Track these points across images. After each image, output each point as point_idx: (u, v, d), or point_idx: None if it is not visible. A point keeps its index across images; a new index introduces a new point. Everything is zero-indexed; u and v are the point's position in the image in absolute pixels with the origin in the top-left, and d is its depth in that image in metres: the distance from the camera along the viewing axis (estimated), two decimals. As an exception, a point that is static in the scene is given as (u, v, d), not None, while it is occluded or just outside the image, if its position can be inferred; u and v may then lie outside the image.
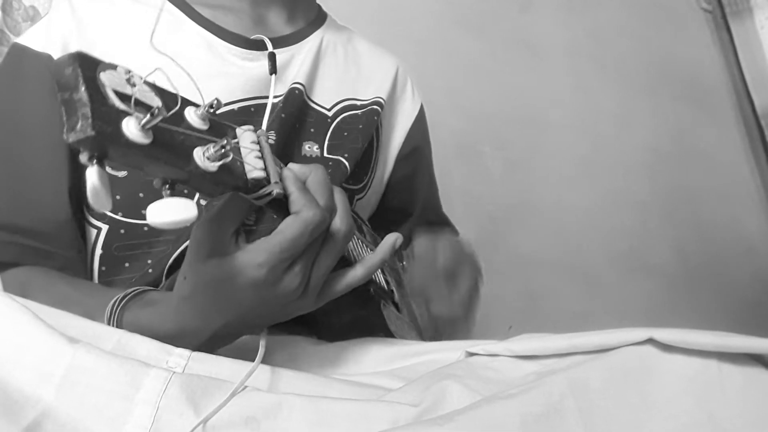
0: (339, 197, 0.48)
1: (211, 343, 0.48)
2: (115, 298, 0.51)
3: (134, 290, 0.52)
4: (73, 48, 0.66)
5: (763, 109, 2.01)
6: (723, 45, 2.10)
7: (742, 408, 0.37)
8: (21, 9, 0.96)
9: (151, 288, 0.54)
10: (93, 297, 0.55)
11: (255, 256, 0.43)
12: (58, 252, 0.64)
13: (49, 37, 0.66)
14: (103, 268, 0.65)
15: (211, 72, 0.69)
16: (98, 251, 0.64)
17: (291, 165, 0.47)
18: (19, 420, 0.35)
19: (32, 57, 0.65)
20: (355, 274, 0.50)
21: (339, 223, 0.47)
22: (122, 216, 0.63)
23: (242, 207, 0.44)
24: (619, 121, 1.77)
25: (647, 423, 0.37)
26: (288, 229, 0.43)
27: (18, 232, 0.64)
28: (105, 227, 0.64)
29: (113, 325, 0.49)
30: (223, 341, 0.49)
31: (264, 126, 0.66)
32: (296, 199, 0.44)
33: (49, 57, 0.65)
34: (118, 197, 0.63)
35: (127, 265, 0.64)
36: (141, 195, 0.62)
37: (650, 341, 0.40)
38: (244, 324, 0.48)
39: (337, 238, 0.47)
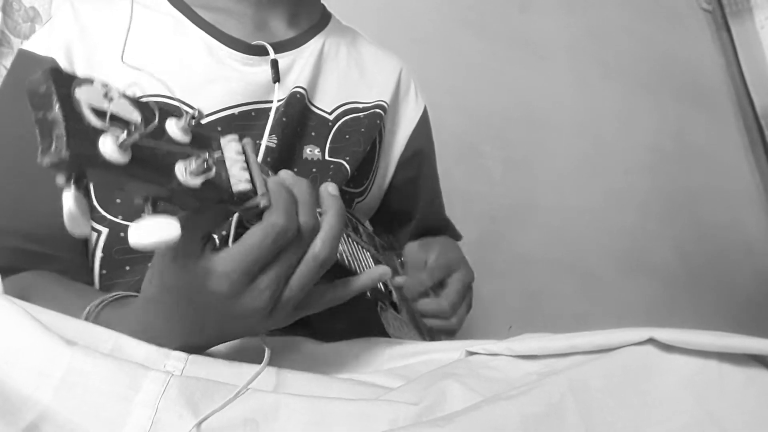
0: (331, 220, 0.46)
1: (184, 348, 0.46)
2: (95, 301, 0.50)
3: (116, 294, 0.52)
4: (76, 51, 0.66)
5: (763, 109, 2.01)
6: (723, 45, 2.10)
7: (742, 408, 0.37)
8: (21, 10, 0.96)
9: (134, 294, 0.52)
10: (80, 297, 0.55)
11: (216, 265, 0.41)
12: (58, 255, 0.64)
13: (52, 41, 0.66)
14: (104, 272, 0.65)
15: (211, 76, 0.69)
16: (99, 254, 0.64)
17: (281, 172, 0.46)
18: (17, 422, 0.34)
19: (35, 61, 0.66)
20: (334, 294, 0.49)
21: (320, 247, 0.45)
22: (122, 219, 0.63)
23: (216, 215, 0.43)
24: (619, 120, 1.77)
25: (647, 423, 0.37)
26: (250, 237, 0.42)
27: (18, 236, 0.64)
28: (105, 230, 0.64)
29: None
30: (196, 347, 0.48)
31: (266, 131, 0.66)
32: (272, 203, 0.42)
33: (53, 61, 0.65)
34: (118, 201, 0.63)
35: (127, 268, 0.64)
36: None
37: (650, 341, 0.40)
38: (209, 335, 0.47)
39: (314, 264, 0.45)
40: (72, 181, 0.32)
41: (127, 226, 0.62)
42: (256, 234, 0.41)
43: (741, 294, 1.81)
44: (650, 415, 0.37)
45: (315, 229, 0.45)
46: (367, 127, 0.77)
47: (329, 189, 0.48)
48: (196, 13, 0.72)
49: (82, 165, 0.32)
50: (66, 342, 0.38)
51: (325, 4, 0.86)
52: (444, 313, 0.71)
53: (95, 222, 0.64)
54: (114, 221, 0.63)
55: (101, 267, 0.65)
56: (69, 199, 0.32)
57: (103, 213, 0.63)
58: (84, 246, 0.66)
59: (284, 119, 0.69)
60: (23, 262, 0.64)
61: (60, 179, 0.32)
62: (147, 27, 0.70)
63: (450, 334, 0.75)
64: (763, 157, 2.04)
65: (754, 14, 2.02)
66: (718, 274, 1.80)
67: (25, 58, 0.67)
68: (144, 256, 0.63)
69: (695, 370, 0.39)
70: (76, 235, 0.34)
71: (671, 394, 0.38)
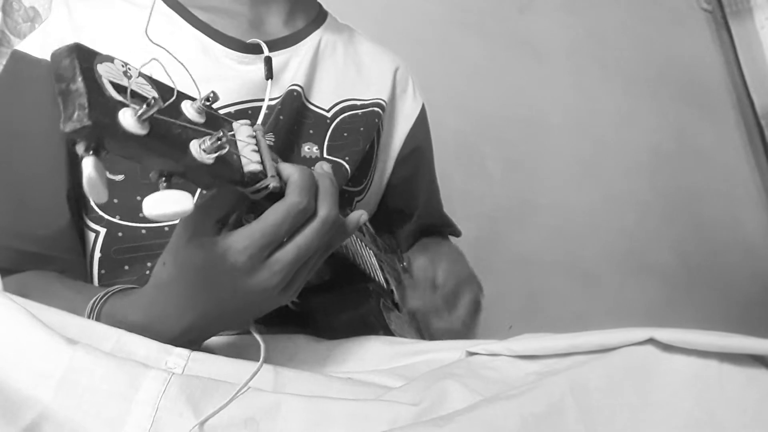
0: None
1: (185, 338, 0.47)
2: (99, 294, 0.51)
3: (118, 287, 0.52)
4: None
5: (763, 109, 2.01)
6: (723, 45, 2.10)
7: (743, 408, 0.37)
8: (21, 10, 0.96)
9: (137, 286, 0.53)
10: (81, 293, 0.55)
11: (235, 241, 0.43)
12: (57, 256, 0.64)
13: (48, 43, 0.66)
14: (103, 272, 0.65)
15: (207, 75, 0.68)
16: (97, 255, 0.64)
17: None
18: (17, 421, 0.34)
19: (31, 64, 0.65)
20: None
21: (339, 240, 0.49)
22: (120, 219, 0.63)
23: (231, 198, 0.44)
24: (619, 121, 1.77)
25: (647, 423, 0.37)
26: (270, 214, 0.43)
27: (18, 237, 0.64)
28: (103, 231, 0.64)
29: (92, 319, 0.49)
30: (198, 336, 0.49)
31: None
32: (291, 182, 0.44)
33: (48, 63, 0.65)
34: (115, 201, 0.63)
35: (126, 268, 0.64)
36: (138, 198, 0.62)
37: (651, 341, 0.40)
38: (218, 318, 0.48)
39: (327, 252, 0.48)
40: (91, 150, 0.33)
41: (124, 226, 0.62)
42: (276, 211, 0.43)
43: (741, 294, 1.81)
44: (650, 415, 0.37)
45: (336, 222, 0.47)
46: (365, 126, 0.77)
47: (324, 167, 0.50)
48: (191, 13, 0.72)
49: (102, 134, 0.32)
50: (67, 340, 0.38)
51: (326, 4, 0.86)
52: (458, 334, 0.72)
53: (93, 222, 0.65)
54: (112, 221, 0.63)
55: (100, 267, 0.65)
56: (89, 164, 0.33)
57: (101, 213, 0.63)
58: (82, 246, 0.66)
59: (281, 117, 0.69)
60: (22, 262, 0.64)
61: (80, 147, 0.33)
62: (141, 26, 0.70)
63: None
64: (763, 157, 2.04)
65: (754, 14, 2.02)
66: (718, 274, 1.80)
67: (19, 60, 0.67)
68: (142, 255, 0.63)
69: (695, 370, 0.38)
70: (94, 200, 0.34)
71: (671, 394, 0.38)
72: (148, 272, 0.61)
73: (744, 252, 1.90)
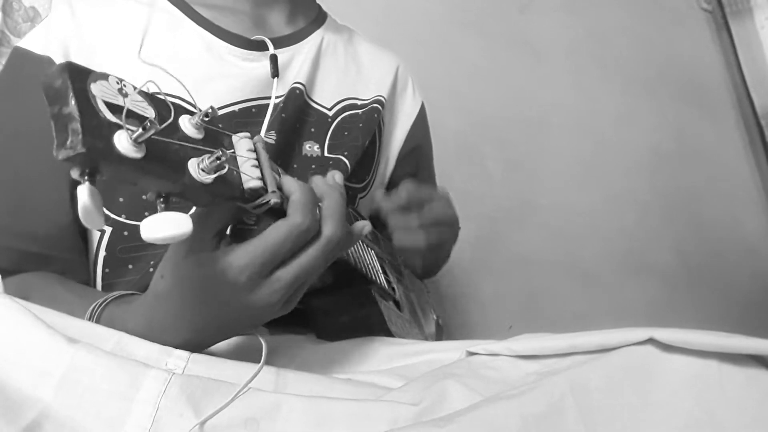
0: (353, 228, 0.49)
1: (184, 348, 0.46)
2: (99, 299, 0.50)
3: (118, 293, 0.52)
4: (73, 50, 0.65)
5: (763, 109, 2.01)
6: (723, 45, 2.10)
7: (742, 408, 0.37)
8: (21, 10, 0.96)
9: (137, 292, 0.53)
10: (82, 297, 0.55)
11: (235, 259, 0.42)
12: (59, 256, 0.64)
13: (49, 40, 0.66)
14: (107, 270, 0.65)
15: (211, 73, 0.69)
16: (102, 253, 0.64)
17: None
18: (18, 420, 0.34)
19: (33, 60, 0.65)
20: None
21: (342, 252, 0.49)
22: (125, 218, 0.63)
23: (230, 211, 0.43)
24: (619, 121, 1.77)
25: (647, 423, 0.37)
26: (272, 233, 0.42)
27: (17, 236, 0.64)
28: (108, 230, 0.64)
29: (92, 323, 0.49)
30: (198, 346, 0.48)
31: (264, 127, 0.66)
32: (294, 201, 0.43)
33: (50, 59, 0.64)
34: (121, 200, 0.63)
35: (130, 266, 0.64)
36: (144, 197, 0.62)
37: (650, 341, 0.40)
38: (217, 330, 0.47)
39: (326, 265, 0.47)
40: (86, 176, 0.32)
41: (130, 225, 0.62)
42: (279, 230, 0.42)
43: (741, 294, 1.81)
44: (650, 415, 0.37)
45: (341, 242, 0.46)
46: (365, 122, 0.77)
47: (335, 178, 0.49)
48: (194, 10, 0.72)
49: (97, 159, 0.32)
50: (68, 340, 0.38)
51: (327, 5, 0.86)
52: (411, 225, 0.69)
53: (97, 221, 0.64)
54: (117, 220, 0.63)
55: (104, 266, 0.65)
56: (84, 192, 0.32)
57: (107, 212, 0.63)
58: (84, 246, 0.66)
59: (283, 115, 0.69)
60: (23, 263, 0.64)
61: (75, 173, 0.32)
62: (144, 24, 0.70)
63: (414, 252, 0.72)
64: (763, 157, 2.04)
65: (754, 14, 2.02)
66: (718, 274, 1.80)
67: (21, 57, 0.66)
68: (146, 254, 0.63)
69: (695, 370, 0.38)
70: (90, 228, 0.33)
71: (671, 394, 0.38)
72: (151, 269, 0.62)
73: (744, 252, 1.90)
